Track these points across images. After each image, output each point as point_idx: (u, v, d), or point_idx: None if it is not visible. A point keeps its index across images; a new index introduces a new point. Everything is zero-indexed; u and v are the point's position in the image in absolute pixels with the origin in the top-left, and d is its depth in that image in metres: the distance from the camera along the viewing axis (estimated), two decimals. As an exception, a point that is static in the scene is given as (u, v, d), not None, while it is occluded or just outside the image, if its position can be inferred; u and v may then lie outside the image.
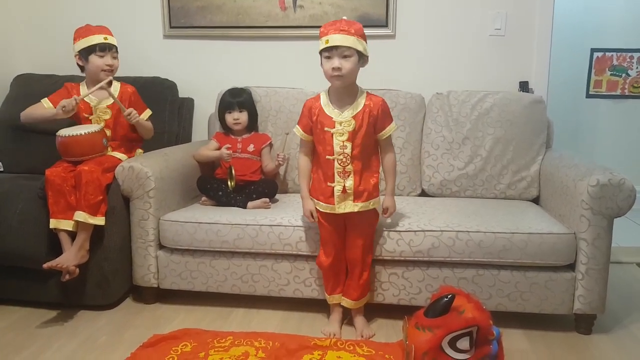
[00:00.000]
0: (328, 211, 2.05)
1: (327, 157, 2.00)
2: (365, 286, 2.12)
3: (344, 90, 2.00)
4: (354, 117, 1.98)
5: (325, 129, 1.99)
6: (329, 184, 2.02)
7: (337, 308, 2.18)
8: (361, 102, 2.01)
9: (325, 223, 2.08)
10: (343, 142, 1.98)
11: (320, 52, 1.96)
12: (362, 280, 2.10)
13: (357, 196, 2.01)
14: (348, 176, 2.00)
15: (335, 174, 2.00)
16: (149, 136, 2.59)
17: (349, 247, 2.10)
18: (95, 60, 2.42)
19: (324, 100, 2.04)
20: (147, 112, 2.58)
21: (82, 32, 2.44)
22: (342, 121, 1.98)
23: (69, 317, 2.27)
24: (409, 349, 1.74)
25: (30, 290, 2.31)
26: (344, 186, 2.00)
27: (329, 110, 2.01)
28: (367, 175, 2.03)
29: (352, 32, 1.91)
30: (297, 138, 2.74)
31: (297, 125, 2.12)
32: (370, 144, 2.03)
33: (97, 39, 2.41)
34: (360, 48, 1.93)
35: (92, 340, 2.08)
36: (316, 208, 2.09)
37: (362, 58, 1.97)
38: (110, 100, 2.46)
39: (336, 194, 2.01)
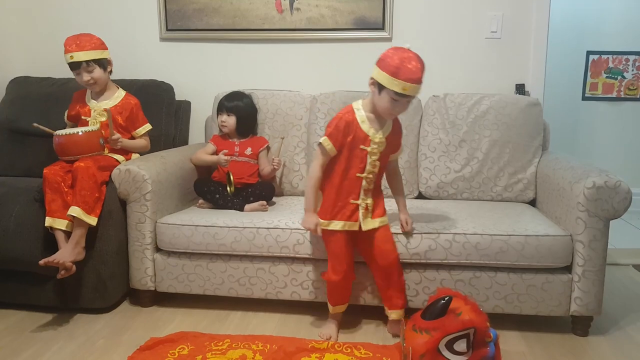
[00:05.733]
0: (347, 229, 2.02)
1: (358, 174, 1.98)
2: (404, 289, 2.14)
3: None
4: (386, 138, 1.99)
5: (362, 147, 1.96)
6: (352, 201, 2.01)
7: (339, 315, 2.16)
8: (390, 123, 2.02)
9: (342, 241, 2.04)
10: (375, 160, 1.98)
11: (387, 88, 1.85)
12: (401, 284, 2.10)
13: (374, 212, 2.05)
14: (369, 194, 2.03)
15: (361, 192, 2.00)
16: (144, 152, 2.57)
17: (380, 257, 2.05)
18: (76, 77, 2.44)
19: (360, 116, 1.97)
20: (146, 127, 2.57)
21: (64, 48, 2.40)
22: (378, 141, 1.97)
23: (66, 320, 2.27)
24: (406, 351, 1.75)
25: (26, 294, 2.30)
26: (367, 204, 2.02)
27: (366, 127, 1.96)
28: (379, 192, 2.09)
29: (421, 77, 1.86)
30: (294, 141, 2.77)
31: (325, 137, 1.97)
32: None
33: (66, 58, 2.38)
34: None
35: (90, 343, 2.08)
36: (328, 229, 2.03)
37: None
38: (109, 104, 2.46)
39: (361, 211, 2.01)
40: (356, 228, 2.03)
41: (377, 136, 1.97)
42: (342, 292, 2.13)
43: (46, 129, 2.36)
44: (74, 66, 2.39)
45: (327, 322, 2.17)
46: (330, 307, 2.16)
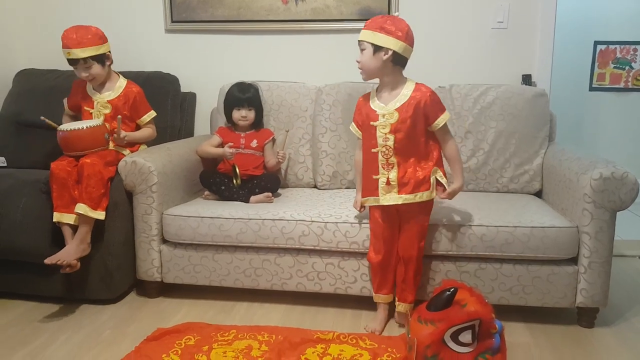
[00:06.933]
0: (375, 204, 2.05)
1: (372, 150, 2.01)
2: (417, 287, 2.13)
3: (387, 82, 2.01)
4: (397, 110, 1.96)
5: (371, 123, 2.00)
6: (374, 176, 2.03)
7: (384, 306, 2.16)
8: (407, 93, 1.98)
9: (378, 218, 2.07)
10: (385, 134, 1.97)
11: None
12: (416, 282, 2.10)
13: (401, 187, 2.00)
14: (392, 168, 1.99)
15: (379, 166, 2.01)
16: (150, 139, 2.57)
17: (402, 245, 2.07)
18: (74, 71, 2.41)
19: (372, 94, 2.06)
20: (150, 114, 2.55)
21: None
22: (385, 113, 1.98)
23: (73, 311, 2.29)
24: (411, 342, 1.75)
25: (34, 285, 2.32)
26: (388, 178, 2.00)
27: (375, 104, 2.02)
28: (416, 167, 2.00)
29: (369, 25, 1.94)
30: (299, 133, 2.77)
31: (352, 123, 2.15)
32: (420, 135, 1.99)
33: (64, 53, 2.34)
34: (373, 40, 1.91)
35: (97, 334, 2.10)
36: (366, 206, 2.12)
37: (381, 50, 1.91)
38: (112, 96, 2.45)
39: (380, 185, 2.01)
40: (378, 203, 2.03)
41: (383, 109, 1.99)
42: (382, 277, 2.12)
43: (53, 124, 2.35)
44: (72, 62, 2.37)
45: (375, 317, 2.16)
46: (373, 294, 2.17)
